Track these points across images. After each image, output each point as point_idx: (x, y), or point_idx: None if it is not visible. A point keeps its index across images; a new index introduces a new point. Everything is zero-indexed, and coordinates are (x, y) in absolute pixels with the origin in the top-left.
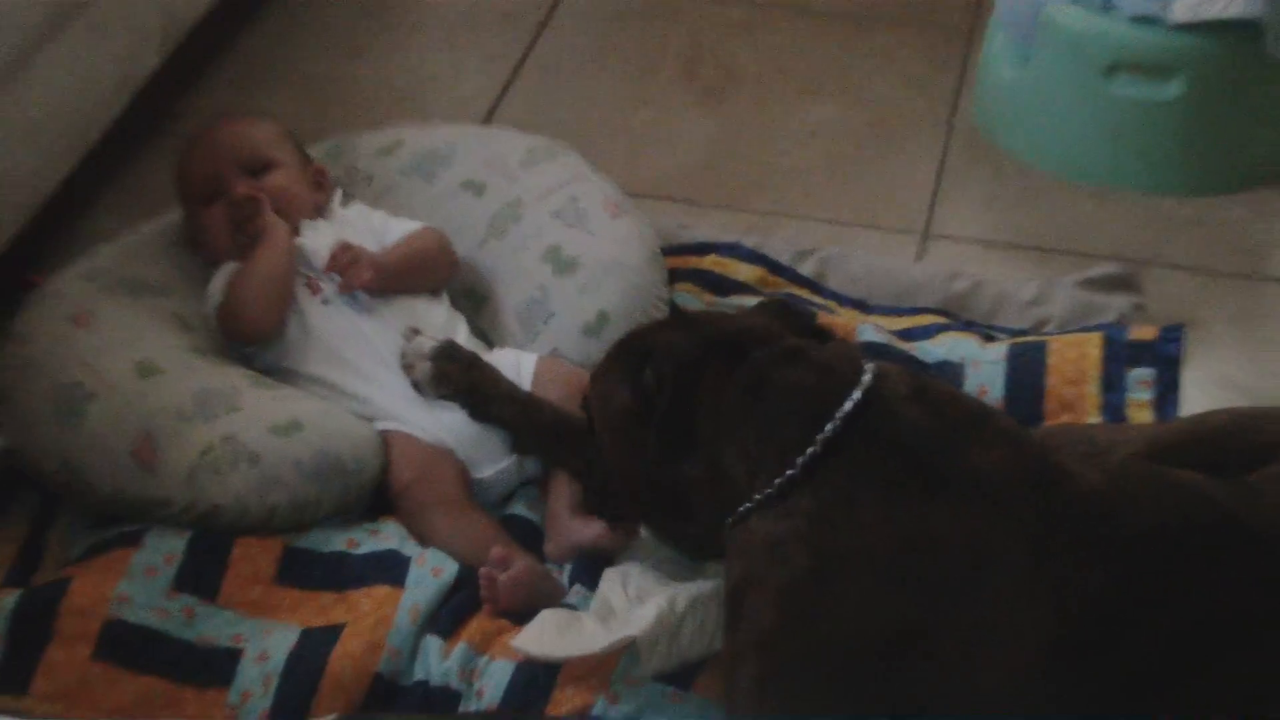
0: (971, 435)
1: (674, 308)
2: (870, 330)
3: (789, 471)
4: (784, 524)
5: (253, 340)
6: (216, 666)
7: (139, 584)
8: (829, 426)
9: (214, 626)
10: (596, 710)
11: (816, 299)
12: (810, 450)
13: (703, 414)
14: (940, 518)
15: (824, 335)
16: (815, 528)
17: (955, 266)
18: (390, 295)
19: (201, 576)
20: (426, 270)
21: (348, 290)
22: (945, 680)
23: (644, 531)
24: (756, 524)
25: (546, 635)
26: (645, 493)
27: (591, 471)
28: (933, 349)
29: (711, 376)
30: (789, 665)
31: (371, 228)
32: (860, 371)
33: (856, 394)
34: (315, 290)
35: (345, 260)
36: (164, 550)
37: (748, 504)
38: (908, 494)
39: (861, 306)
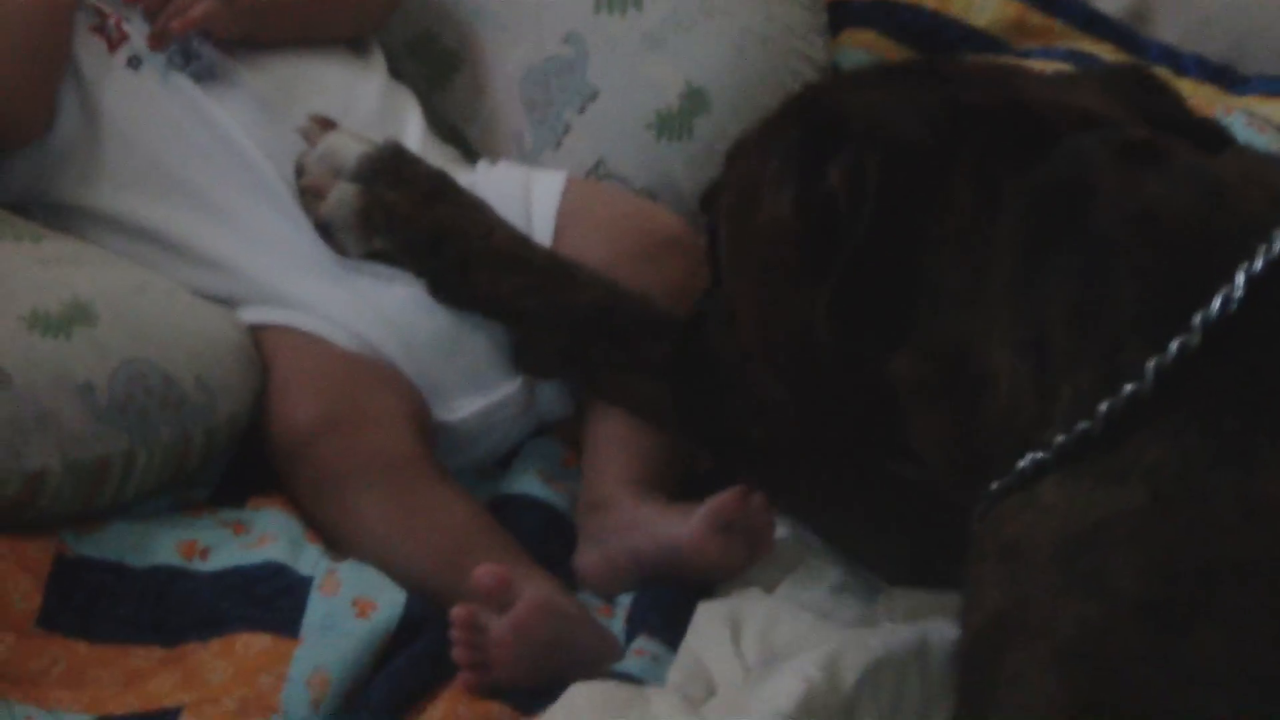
0: None
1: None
2: (1240, 125)
3: (1129, 386)
4: (1106, 499)
5: None
6: None
7: None
8: (1219, 299)
9: None
10: None
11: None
12: (1179, 342)
13: (941, 254)
14: None
15: (1206, 131)
16: (1167, 512)
17: None
18: (268, 52)
19: None
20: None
21: (161, 44)
22: None
23: (783, 530)
24: (1052, 495)
25: None
26: (818, 407)
27: (692, 395)
28: None
29: (967, 183)
30: None
31: None
32: None
33: (1277, 243)
34: (114, 43)
35: None
36: None
37: (1037, 452)
38: None
39: (1224, 77)
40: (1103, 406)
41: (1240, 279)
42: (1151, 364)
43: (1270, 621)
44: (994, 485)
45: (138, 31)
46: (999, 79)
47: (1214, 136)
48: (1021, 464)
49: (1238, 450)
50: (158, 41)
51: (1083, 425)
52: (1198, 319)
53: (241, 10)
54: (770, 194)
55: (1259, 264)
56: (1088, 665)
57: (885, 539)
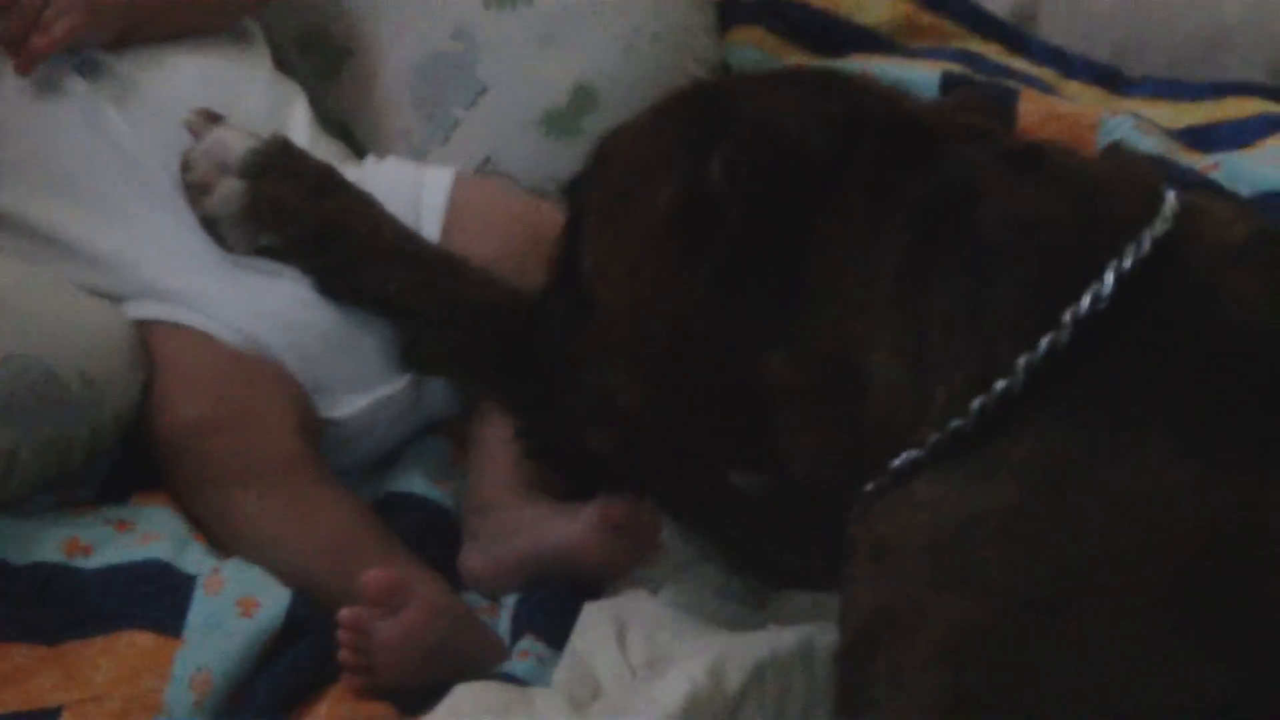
0: None
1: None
2: (1126, 127)
3: (1001, 383)
4: (977, 495)
5: None
6: None
7: None
8: (1089, 297)
9: None
10: None
11: (1018, 63)
12: (1049, 338)
13: (824, 256)
14: None
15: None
16: (1038, 507)
17: None
18: (153, 50)
19: None
20: None
21: (29, 68)
22: None
23: (667, 532)
24: (926, 492)
25: None
26: (682, 418)
27: (535, 389)
28: (1253, 167)
29: (853, 187)
30: None
31: None
32: (1156, 202)
33: (1145, 241)
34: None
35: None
36: None
37: (912, 450)
38: (1226, 452)
39: (1110, 80)
40: (975, 404)
41: (1109, 277)
42: (1023, 361)
43: (1140, 611)
44: (869, 486)
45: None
46: (880, 87)
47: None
48: (896, 463)
49: (1106, 446)
50: (26, 65)
51: (956, 423)
52: (1068, 316)
53: (108, 17)
54: (652, 184)
55: (1128, 263)
56: (961, 660)
57: (762, 545)
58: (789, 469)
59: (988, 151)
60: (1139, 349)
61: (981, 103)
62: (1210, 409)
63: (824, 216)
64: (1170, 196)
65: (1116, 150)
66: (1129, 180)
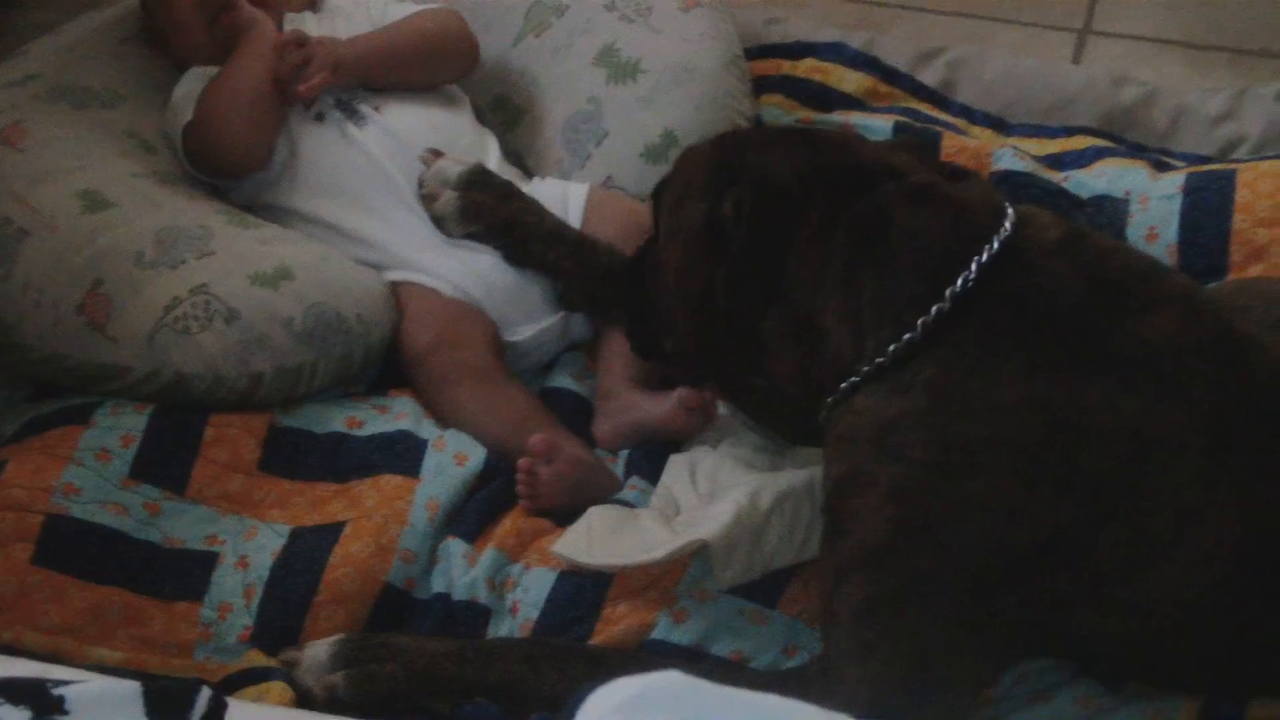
0: (1134, 298)
1: (760, 126)
2: (1009, 156)
3: (907, 335)
4: (898, 402)
5: (232, 172)
6: (186, 575)
7: (89, 471)
8: (960, 280)
9: (183, 525)
10: (658, 632)
11: (941, 115)
12: (937, 307)
13: (798, 257)
14: (1095, 400)
15: (960, 174)
16: (939, 408)
17: (1122, 71)
18: (398, 105)
19: (166, 463)
20: (431, 59)
21: (294, 100)
22: (1098, 597)
23: (723, 409)
24: (863, 402)
25: (596, 538)
26: (712, 345)
27: (633, 321)
28: (1089, 180)
29: (816, 212)
30: (904, 585)
31: (370, 18)
32: (1001, 215)
33: (995, 242)
34: (306, 103)
35: (295, 59)
36: (119, 429)
37: (853, 377)
38: (1054, 370)
39: (999, 125)
40: (892, 349)
41: (974, 266)
42: (920, 321)
43: (1008, 471)
44: (830, 399)
45: (322, 94)
46: (845, 144)
47: (961, 173)
48: (844, 385)
49: (978, 368)
50: (291, 101)
51: (880, 359)
52: (948, 293)
53: (347, 73)
54: (692, 201)
55: (985, 257)
56: (896, 504)
57: (777, 418)
58: (779, 384)
59: (900, 187)
60: (993, 310)
61: (917, 142)
62: (1040, 342)
63: (797, 232)
64: (1010, 211)
65: (977, 180)
66: (985, 201)
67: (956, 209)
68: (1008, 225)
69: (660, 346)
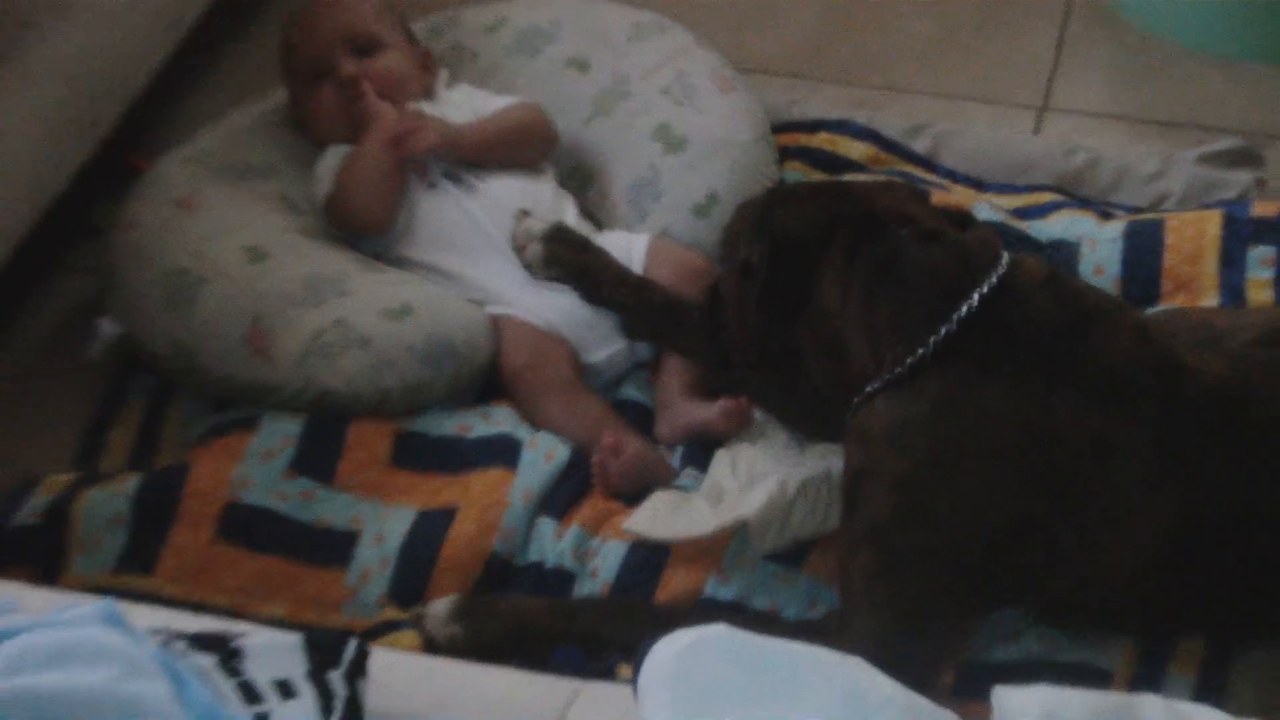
0: (1100, 328)
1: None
2: (985, 209)
3: (920, 350)
4: (908, 408)
5: (365, 232)
6: (334, 548)
7: (257, 467)
8: (965, 307)
9: (332, 509)
10: (707, 590)
11: (930, 177)
12: (945, 329)
13: (825, 287)
14: (1064, 409)
15: (966, 220)
16: (940, 414)
17: (1073, 141)
18: (495, 176)
19: (318, 460)
20: (520, 143)
21: (410, 157)
22: (1061, 567)
23: (758, 414)
24: (881, 406)
25: (658, 517)
26: (760, 356)
27: (708, 340)
28: (1048, 228)
29: (839, 251)
30: (904, 556)
31: (475, 108)
32: (998, 257)
33: (994, 278)
34: (422, 175)
35: (409, 125)
36: (280, 434)
37: (874, 384)
38: (1033, 384)
39: (976, 184)
40: (907, 362)
41: (975, 297)
42: (930, 340)
43: (993, 466)
44: (855, 400)
45: (431, 167)
46: (868, 191)
47: (964, 220)
48: (866, 390)
49: (975, 382)
50: (401, 154)
51: (897, 371)
52: (955, 317)
53: (457, 148)
54: (735, 247)
55: (985, 289)
56: (902, 490)
57: (805, 418)
58: (818, 386)
59: (913, 230)
60: (989, 333)
61: (912, 185)
62: (1024, 362)
63: (824, 268)
64: (1005, 255)
65: (979, 226)
66: (984, 245)
67: (962, 249)
68: (1003, 265)
69: (728, 358)
